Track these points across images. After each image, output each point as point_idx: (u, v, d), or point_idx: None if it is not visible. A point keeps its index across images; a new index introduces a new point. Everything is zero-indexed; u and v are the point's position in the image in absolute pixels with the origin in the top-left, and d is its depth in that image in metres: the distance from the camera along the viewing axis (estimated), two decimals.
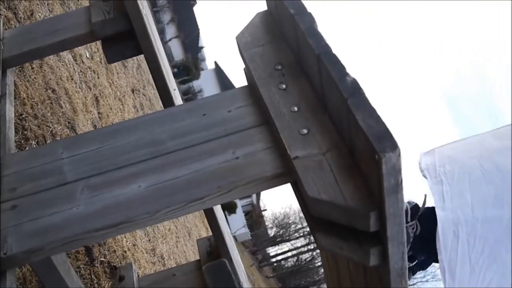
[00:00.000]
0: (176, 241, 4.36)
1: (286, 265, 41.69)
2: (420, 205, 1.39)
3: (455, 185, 1.36)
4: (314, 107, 1.25)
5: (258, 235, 40.13)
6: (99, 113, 3.28)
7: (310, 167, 1.13)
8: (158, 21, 33.37)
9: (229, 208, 31.68)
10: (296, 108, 1.25)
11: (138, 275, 2.62)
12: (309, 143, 1.17)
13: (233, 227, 32.07)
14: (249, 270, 28.81)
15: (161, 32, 32.45)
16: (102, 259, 2.41)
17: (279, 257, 42.41)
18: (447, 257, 1.26)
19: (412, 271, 1.44)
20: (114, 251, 2.61)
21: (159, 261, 3.49)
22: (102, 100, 3.46)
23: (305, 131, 1.20)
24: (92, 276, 2.25)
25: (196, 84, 33.36)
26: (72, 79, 2.93)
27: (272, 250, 43.23)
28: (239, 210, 34.69)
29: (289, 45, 1.39)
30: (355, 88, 1.07)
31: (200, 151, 1.27)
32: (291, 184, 1.26)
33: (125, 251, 2.76)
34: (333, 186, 1.08)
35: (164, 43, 32.45)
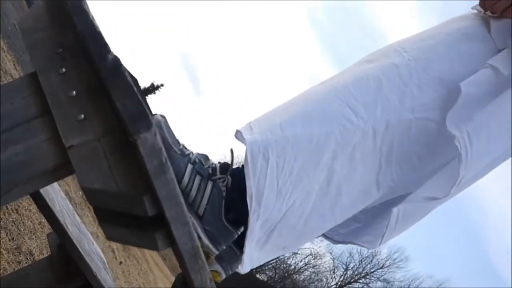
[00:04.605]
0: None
1: None
2: (230, 162, 1.34)
3: (262, 118, 1.36)
4: (93, 89, 1.16)
5: None
6: None
7: (84, 156, 1.05)
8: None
9: None
10: (74, 93, 1.16)
11: None
12: (85, 130, 1.09)
13: None
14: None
15: None
16: None
17: None
18: (256, 182, 1.23)
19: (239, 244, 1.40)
20: None
21: (27, 258, 3.33)
22: None
23: (82, 116, 1.11)
24: None
25: None
26: None
27: None
28: None
29: (70, 26, 1.30)
30: (115, 67, 1.01)
31: None
32: None
33: None
34: (107, 173, 1.01)
35: None
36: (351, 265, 37.84)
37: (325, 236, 1.58)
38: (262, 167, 1.23)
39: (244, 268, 1.29)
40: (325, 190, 1.29)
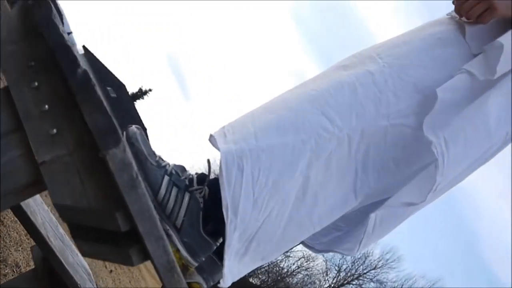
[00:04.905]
0: None
1: None
2: (206, 172, 1.33)
3: (236, 123, 1.34)
4: (66, 103, 1.15)
5: None
6: None
7: (56, 172, 1.04)
8: None
9: None
10: (46, 107, 1.14)
11: None
12: (58, 144, 1.08)
13: None
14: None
15: None
16: None
17: None
18: (231, 193, 1.22)
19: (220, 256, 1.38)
20: None
21: (14, 271, 3.30)
22: None
23: (54, 131, 1.10)
24: None
25: None
26: None
27: None
28: None
29: (42, 38, 1.28)
30: (84, 81, 0.99)
31: None
32: None
33: None
34: (78, 189, 1.00)
35: None
36: (344, 266, 37.81)
37: (306, 245, 1.57)
38: (237, 178, 1.22)
39: (225, 282, 1.27)
40: (302, 198, 1.28)
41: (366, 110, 1.32)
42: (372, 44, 1.52)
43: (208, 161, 1.35)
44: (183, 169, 1.32)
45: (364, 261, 36.75)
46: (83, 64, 1.02)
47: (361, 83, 1.34)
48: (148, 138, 1.32)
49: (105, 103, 0.94)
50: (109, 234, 1.03)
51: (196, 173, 1.34)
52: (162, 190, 1.25)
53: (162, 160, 1.30)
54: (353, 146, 1.31)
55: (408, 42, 1.44)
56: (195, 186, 1.29)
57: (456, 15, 1.47)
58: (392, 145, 1.34)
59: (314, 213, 1.31)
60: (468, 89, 1.32)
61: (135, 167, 0.92)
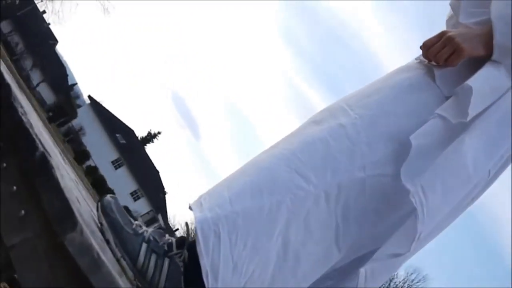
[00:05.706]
0: None
1: None
2: (185, 235, 1.32)
3: (212, 191, 1.33)
4: (32, 183, 1.15)
5: None
6: None
7: (25, 256, 1.03)
8: (21, 69, 32.23)
9: None
10: (15, 188, 1.14)
11: None
12: (26, 227, 1.07)
13: None
14: None
15: (27, 79, 31.39)
16: None
17: None
18: (209, 260, 1.20)
19: None
20: None
21: None
22: None
23: (22, 212, 1.10)
24: None
25: (75, 123, 32.50)
26: None
27: None
28: None
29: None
30: (41, 164, 0.99)
31: None
32: None
33: None
34: (47, 272, 0.99)
35: (32, 89, 31.43)
36: None
37: None
38: (214, 245, 1.21)
39: None
40: (283, 257, 1.26)
41: (340, 164, 1.30)
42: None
43: (186, 224, 1.34)
44: (161, 234, 1.31)
45: (389, 284, 36.18)
46: (41, 146, 1.02)
47: (334, 137, 1.33)
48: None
49: (62, 185, 0.94)
50: None
51: (175, 237, 1.33)
52: (141, 258, 1.24)
53: (140, 227, 1.29)
54: (331, 201, 1.29)
55: (378, 91, 1.42)
56: (174, 250, 1.28)
57: (425, 59, 1.46)
58: (372, 196, 1.31)
59: (298, 271, 1.29)
60: (442, 133, 1.30)
61: (96, 248, 0.91)
